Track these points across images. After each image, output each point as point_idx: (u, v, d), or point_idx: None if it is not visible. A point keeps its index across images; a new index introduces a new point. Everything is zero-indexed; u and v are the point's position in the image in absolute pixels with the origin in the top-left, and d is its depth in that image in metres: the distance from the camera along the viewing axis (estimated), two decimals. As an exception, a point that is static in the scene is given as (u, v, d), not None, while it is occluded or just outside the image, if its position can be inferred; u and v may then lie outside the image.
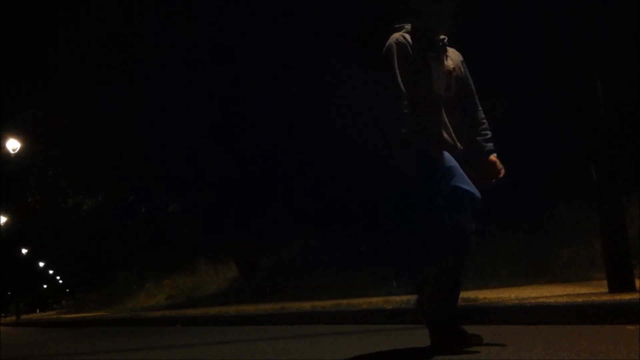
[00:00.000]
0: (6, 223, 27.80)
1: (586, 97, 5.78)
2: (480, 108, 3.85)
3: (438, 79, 3.65)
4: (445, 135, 3.62)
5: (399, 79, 3.55)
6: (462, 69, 3.82)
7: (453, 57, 3.79)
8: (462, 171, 3.57)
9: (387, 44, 3.67)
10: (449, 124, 3.65)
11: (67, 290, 48.50)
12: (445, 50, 3.76)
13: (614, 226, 5.31)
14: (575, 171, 7.85)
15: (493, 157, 3.75)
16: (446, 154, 3.57)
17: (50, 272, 55.85)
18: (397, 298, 7.02)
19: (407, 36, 3.67)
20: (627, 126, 8.86)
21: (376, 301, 7.05)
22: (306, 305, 7.82)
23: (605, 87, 5.69)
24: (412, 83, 3.58)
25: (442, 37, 3.73)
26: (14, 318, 38.47)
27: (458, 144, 3.66)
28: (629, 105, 9.42)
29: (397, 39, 3.65)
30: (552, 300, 4.95)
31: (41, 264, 50.52)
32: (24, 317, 41.63)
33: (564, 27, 9.64)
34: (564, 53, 9.34)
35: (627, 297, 4.61)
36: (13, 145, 19.46)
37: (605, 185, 5.34)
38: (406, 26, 3.75)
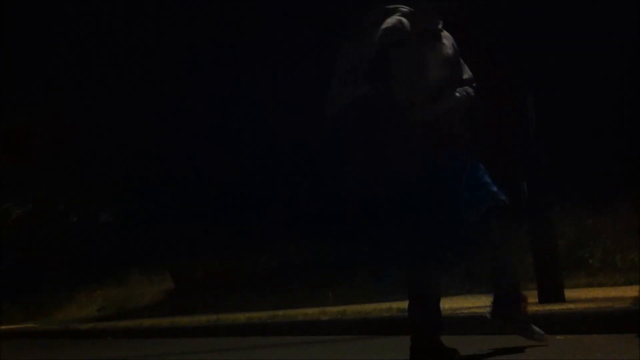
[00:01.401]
0: None
1: (516, 110, 5.91)
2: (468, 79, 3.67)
3: (433, 69, 3.49)
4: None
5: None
6: (455, 53, 3.65)
7: (447, 44, 3.63)
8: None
9: (382, 27, 3.44)
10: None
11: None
12: (441, 38, 3.59)
13: (544, 239, 5.45)
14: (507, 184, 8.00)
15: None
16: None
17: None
18: (334, 309, 7.02)
19: (404, 20, 3.47)
20: (556, 140, 9.11)
21: (312, 312, 7.03)
22: (241, 317, 7.74)
23: (540, 103, 5.83)
24: (404, 71, 3.41)
25: (438, 22, 3.58)
26: None
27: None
28: (559, 119, 9.71)
29: (393, 24, 3.44)
30: (484, 310, 5.01)
31: None
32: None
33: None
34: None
35: (556, 307, 4.73)
36: None
37: (534, 199, 5.46)
38: (401, 8, 3.53)
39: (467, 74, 3.69)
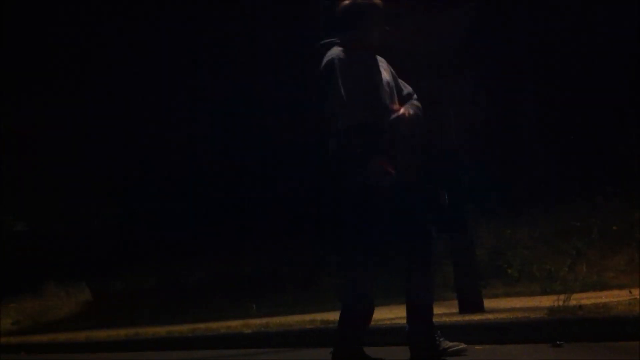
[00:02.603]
0: None
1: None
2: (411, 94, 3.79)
3: (382, 90, 3.61)
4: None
5: (343, 92, 3.48)
6: (393, 73, 3.78)
7: (384, 66, 3.76)
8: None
9: (327, 60, 3.59)
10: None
11: None
12: (376, 63, 3.72)
13: (463, 250, 5.53)
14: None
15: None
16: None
17: None
18: (257, 321, 6.93)
19: (343, 52, 3.60)
20: (477, 150, 9.29)
21: (235, 325, 6.92)
22: (161, 331, 7.54)
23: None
24: (359, 97, 3.51)
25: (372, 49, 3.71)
26: None
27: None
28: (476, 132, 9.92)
29: (337, 55, 3.58)
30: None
31: None
32: None
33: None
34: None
35: (475, 318, 4.79)
36: None
37: (453, 209, 5.53)
38: (336, 41, 3.69)
39: (407, 88, 3.81)
